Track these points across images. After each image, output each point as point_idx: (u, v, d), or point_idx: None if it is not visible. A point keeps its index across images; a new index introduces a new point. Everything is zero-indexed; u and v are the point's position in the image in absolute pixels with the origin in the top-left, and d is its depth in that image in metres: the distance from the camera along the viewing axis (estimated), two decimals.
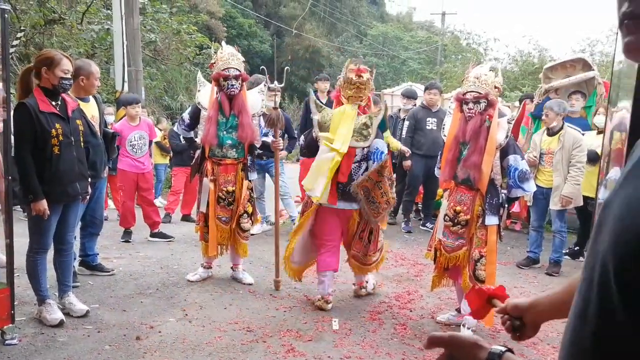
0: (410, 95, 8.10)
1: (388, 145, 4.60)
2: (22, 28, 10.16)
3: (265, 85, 5.23)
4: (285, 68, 5.44)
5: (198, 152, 5.07)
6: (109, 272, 5.19)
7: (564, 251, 6.16)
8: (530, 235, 6.22)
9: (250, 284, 5.04)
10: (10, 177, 3.60)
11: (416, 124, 7.45)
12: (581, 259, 6.39)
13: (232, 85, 4.76)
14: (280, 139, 5.11)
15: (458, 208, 4.11)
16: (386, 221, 5.14)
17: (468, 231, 4.09)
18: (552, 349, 3.98)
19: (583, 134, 6.18)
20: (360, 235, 4.61)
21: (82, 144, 4.01)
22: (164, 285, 4.97)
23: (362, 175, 4.38)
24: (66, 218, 4.04)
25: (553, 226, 5.99)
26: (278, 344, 3.82)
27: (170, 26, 13.74)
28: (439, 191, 6.79)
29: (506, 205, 4.27)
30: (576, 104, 6.91)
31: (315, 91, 8.26)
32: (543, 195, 5.87)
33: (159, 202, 8.38)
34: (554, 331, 4.27)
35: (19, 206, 5.59)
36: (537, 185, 5.33)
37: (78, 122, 3.99)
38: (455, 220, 4.11)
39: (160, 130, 8.61)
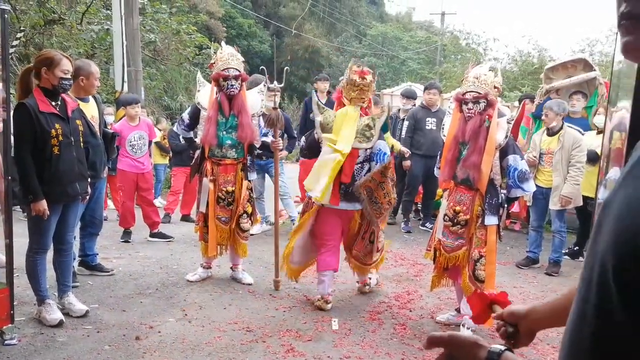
0: (409, 96, 8.10)
1: (392, 147, 4.61)
2: (21, 28, 10.16)
3: (264, 85, 5.23)
4: (285, 68, 5.45)
5: (198, 152, 5.07)
6: (108, 272, 5.19)
7: (563, 251, 6.16)
8: (530, 235, 6.22)
9: (249, 284, 5.05)
10: (10, 177, 3.60)
11: (416, 124, 7.45)
12: (581, 259, 6.40)
13: (232, 85, 4.76)
14: (280, 139, 5.11)
15: (457, 208, 4.11)
16: (386, 221, 5.15)
17: (467, 231, 4.09)
18: (552, 349, 3.98)
19: (583, 134, 6.19)
20: (363, 236, 4.64)
21: (81, 144, 4.01)
22: (164, 285, 4.97)
23: (364, 176, 4.40)
24: (66, 218, 4.04)
25: (553, 226, 6.00)
26: (277, 344, 3.82)
27: (170, 26, 13.74)
28: (439, 191, 6.80)
29: (506, 205, 4.27)
30: (577, 105, 6.91)
31: (315, 91, 8.27)
32: (543, 195, 5.88)
33: (159, 202, 8.38)
34: (553, 331, 4.26)
35: (18, 206, 5.59)
36: (536, 185, 5.34)
37: (78, 122, 3.99)
38: (455, 220, 4.12)
39: (160, 130, 8.61)
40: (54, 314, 3.96)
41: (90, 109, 4.63)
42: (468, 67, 4.28)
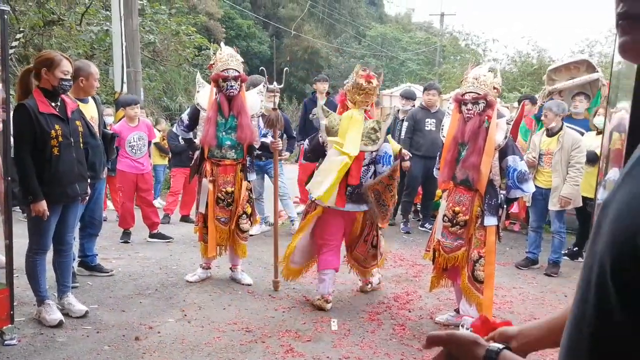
0: (409, 96, 8.11)
1: (400, 150, 4.66)
2: (21, 29, 10.16)
3: (264, 86, 5.23)
4: (284, 69, 5.45)
5: (197, 153, 5.07)
6: (108, 272, 5.19)
7: (562, 252, 6.16)
8: (529, 236, 6.22)
9: (249, 285, 5.05)
10: (9, 178, 3.60)
11: (415, 124, 7.45)
12: (580, 259, 6.40)
13: (231, 86, 4.77)
14: (279, 139, 5.12)
15: (457, 209, 4.12)
16: (388, 221, 5.18)
17: (467, 232, 4.10)
18: (551, 349, 3.97)
19: (583, 134, 6.19)
20: (365, 239, 4.67)
21: (81, 145, 4.01)
22: (163, 285, 4.98)
23: (370, 178, 4.45)
24: (65, 219, 4.04)
25: (552, 227, 6.00)
26: (277, 344, 3.82)
27: (169, 27, 13.74)
28: (438, 192, 6.80)
29: (505, 206, 4.28)
30: (580, 106, 6.92)
31: (314, 92, 8.28)
32: (542, 195, 5.88)
33: (158, 203, 8.38)
34: None
35: (18, 207, 5.59)
36: (536, 186, 5.34)
37: (77, 123, 4.00)
38: (454, 221, 4.12)
39: (159, 131, 8.61)
40: (54, 315, 3.96)
41: (89, 110, 4.63)
42: (467, 68, 4.28)
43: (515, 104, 9.33)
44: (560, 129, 5.83)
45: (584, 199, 5.93)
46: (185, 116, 5.13)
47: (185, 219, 7.74)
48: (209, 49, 10.80)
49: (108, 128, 5.87)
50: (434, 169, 4.57)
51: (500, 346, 0.96)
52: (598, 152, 5.60)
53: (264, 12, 28.86)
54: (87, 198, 4.31)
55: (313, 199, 4.50)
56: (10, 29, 9.25)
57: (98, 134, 4.61)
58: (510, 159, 4.02)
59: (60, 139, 3.78)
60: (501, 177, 4.08)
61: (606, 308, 0.71)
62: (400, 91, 9.66)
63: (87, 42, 11.47)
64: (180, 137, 5.49)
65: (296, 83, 26.89)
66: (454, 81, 16.47)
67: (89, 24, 11.67)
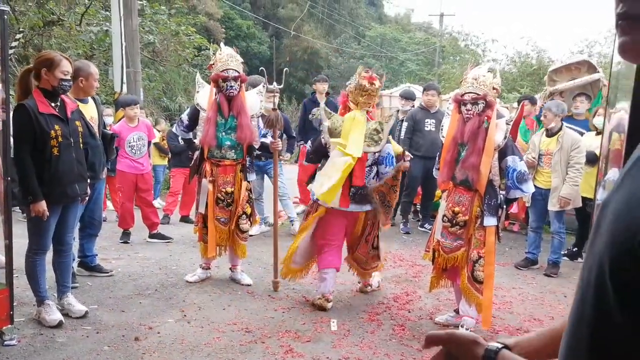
0: (408, 97, 8.11)
1: (403, 152, 4.71)
2: (21, 29, 10.16)
3: (263, 86, 5.23)
4: (284, 69, 5.45)
5: (197, 153, 5.07)
6: (107, 273, 5.19)
7: (562, 252, 6.16)
8: (529, 236, 6.22)
9: (248, 285, 5.05)
10: (9, 178, 3.60)
11: (415, 125, 7.46)
12: (580, 260, 6.40)
13: (231, 86, 4.77)
14: (279, 139, 5.12)
15: (456, 209, 4.12)
16: (390, 221, 5.21)
17: (466, 232, 4.10)
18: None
19: (582, 134, 6.19)
20: (367, 239, 4.69)
21: (81, 145, 4.01)
22: (163, 286, 4.97)
23: (373, 179, 4.47)
24: (65, 219, 4.04)
25: (551, 227, 6.00)
26: (276, 344, 3.82)
27: (169, 27, 13.74)
28: (438, 192, 6.81)
29: (504, 206, 4.28)
30: (581, 106, 6.92)
31: (314, 92, 8.28)
32: (541, 196, 5.88)
33: (158, 203, 8.38)
34: None
35: (18, 207, 5.59)
36: (535, 186, 5.35)
37: (77, 123, 4.00)
38: (454, 221, 4.12)
39: (159, 131, 8.61)
40: (54, 315, 3.96)
41: (89, 110, 4.63)
42: (467, 68, 4.29)
43: (515, 105, 9.33)
44: (560, 129, 5.83)
45: (584, 199, 5.94)
46: (185, 116, 5.13)
47: (184, 219, 7.74)
48: (209, 50, 10.77)
49: (108, 128, 5.87)
50: (434, 169, 4.58)
51: (499, 345, 0.96)
52: (597, 152, 5.60)
53: (264, 12, 28.86)
54: (87, 198, 4.31)
55: (316, 200, 4.51)
56: (10, 29, 9.25)
57: (98, 134, 4.61)
58: (510, 160, 4.03)
59: (60, 139, 3.78)
60: (501, 178, 4.09)
61: (605, 308, 0.71)
62: (399, 91, 9.67)
63: (87, 42, 11.47)
64: (179, 138, 5.49)
65: (296, 83, 26.89)
66: (454, 81, 16.47)
67: (88, 24, 11.66)
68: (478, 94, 3.97)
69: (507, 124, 4.10)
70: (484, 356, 0.95)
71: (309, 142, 4.89)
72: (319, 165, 4.67)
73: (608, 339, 0.72)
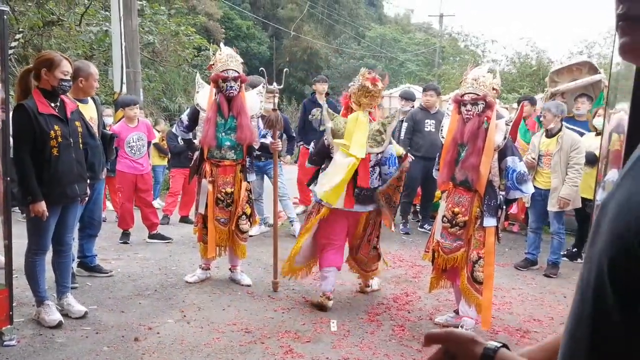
0: (408, 97, 8.11)
1: (407, 152, 4.74)
2: (20, 30, 10.16)
3: (263, 86, 5.23)
4: (284, 70, 5.46)
5: (197, 153, 5.07)
6: (107, 273, 5.19)
7: (562, 253, 6.17)
8: (528, 237, 6.22)
9: (248, 286, 5.05)
10: (9, 179, 3.60)
11: (414, 125, 7.46)
12: (579, 260, 6.40)
13: (231, 87, 4.77)
14: (279, 140, 5.12)
15: (456, 209, 4.12)
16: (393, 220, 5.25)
17: (466, 232, 4.10)
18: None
19: (582, 135, 6.19)
20: (369, 238, 4.70)
21: (80, 145, 4.01)
22: (162, 286, 4.97)
23: (376, 179, 4.50)
24: (65, 219, 4.04)
25: (551, 228, 6.00)
26: (276, 345, 3.82)
27: (169, 28, 13.75)
28: (437, 193, 6.81)
29: (504, 207, 4.29)
30: (582, 107, 6.92)
31: (313, 93, 8.28)
32: (541, 196, 5.88)
33: (157, 203, 8.37)
34: (552, 333, 4.27)
35: (17, 207, 5.58)
36: (535, 187, 5.35)
37: (77, 123, 4.00)
38: (453, 222, 4.12)
39: (159, 131, 8.61)
40: (53, 315, 3.96)
41: (89, 111, 4.63)
42: (466, 69, 4.29)
43: (515, 105, 9.34)
44: (560, 130, 5.83)
45: (583, 200, 5.94)
46: (184, 117, 5.13)
47: (184, 219, 7.74)
48: (209, 50, 10.79)
49: (107, 128, 5.86)
50: (433, 170, 4.58)
51: (498, 344, 0.96)
52: (597, 153, 5.60)
53: (264, 12, 28.86)
54: (87, 199, 4.31)
55: (319, 201, 4.51)
56: (10, 29, 9.24)
57: (97, 135, 4.61)
58: (510, 160, 4.03)
59: (59, 139, 3.78)
60: (500, 178, 4.09)
61: (604, 308, 0.71)
62: (399, 92, 9.67)
63: (87, 42, 11.47)
64: (179, 138, 5.48)
65: (295, 84, 26.89)
66: (453, 82, 16.47)
67: (88, 24, 11.67)
68: (478, 95, 3.97)
69: (507, 124, 4.10)
70: (483, 355, 0.95)
71: (312, 144, 4.89)
72: (324, 166, 4.68)
73: (607, 338, 0.71)
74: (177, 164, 7.68)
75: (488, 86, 4.00)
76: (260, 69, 5.34)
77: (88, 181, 4.19)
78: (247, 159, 4.98)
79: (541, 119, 6.04)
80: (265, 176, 7.00)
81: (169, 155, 8.18)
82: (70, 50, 10.82)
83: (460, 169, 4.07)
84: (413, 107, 7.91)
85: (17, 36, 9.80)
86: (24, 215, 4.12)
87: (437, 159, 4.46)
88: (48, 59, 3.81)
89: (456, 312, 4.34)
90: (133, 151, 6.45)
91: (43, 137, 3.71)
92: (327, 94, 8.05)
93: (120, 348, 3.67)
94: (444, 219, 4.19)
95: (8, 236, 3.58)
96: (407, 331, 4.19)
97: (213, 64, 4.88)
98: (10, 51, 8.76)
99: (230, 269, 5.21)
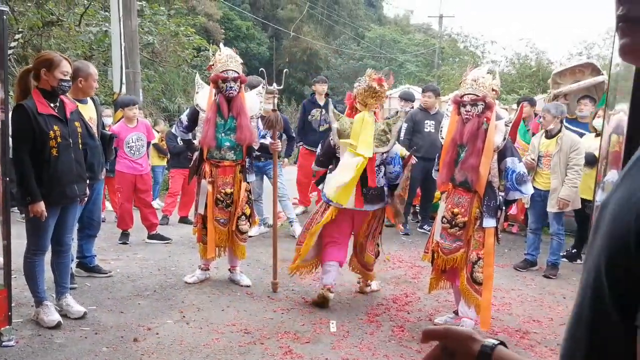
0: (407, 98, 8.12)
1: (410, 156, 4.80)
2: (20, 30, 10.15)
3: (263, 87, 5.23)
4: (284, 70, 5.46)
5: (196, 154, 5.07)
6: (106, 273, 5.18)
7: (561, 254, 6.17)
8: (528, 238, 6.22)
9: (247, 286, 5.04)
10: (8, 179, 3.59)
11: (414, 126, 7.46)
12: (579, 261, 6.41)
13: (231, 87, 4.77)
14: (279, 140, 5.12)
15: (456, 210, 4.12)
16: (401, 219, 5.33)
17: (466, 233, 4.10)
18: (550, 351, 3.98)
19: (582, 136, 6.20)
20: (374, 234, 4.73)
21: (80, 145, 4.01)
22: (162, 287, 4.97)
23: (382, 178, 4.55)
24: (64, 220, 4.03)
25: (551, 229, 6.00)
26: (275, 346, 3.82)
27: (168, 28, 13.74)
28: (437, 193, 6.81)
29: (504, 208, 4.29)
30: (585, 109, 6.92)
31: (313, 93, 8.28)
32: (541, 197, 5.88)
33: (157, 204, 8.36)
34: (551, 334, 4.28)
35: (16, 208, 5.59)
36: (534, 188, 5.35)
37: (76, 124, 3.99)
38: (453, 223, 4.13)
39: (158, 132, 8.61)
40: (52, 316, 3.96)
41: (88, 111, 4.62)
42: (466, 69, 4.30)
43: (514, 106, 9.34)
44: (559, 130, 5.83)
45: (583, 200, 5.94)
46: (184, 117, 5.13)
47: (183, 220, 7.73)
48: (208, 50, 10.78)
49: (107, 129, 5.86)
50: (433, 171, 4.59)
51: (496, 342, 0.96)
52: (596, 154, 5.60)
53: (263, 13, 28.85)
54: (86, 199, 4.31)
55: (329, 201, 4.51)
56: (9, 29, 9.24)
57: (97, 135, 4.60)
58: (509, 161, 4.03)
59: (59, 139, 3.78)
60: (500, 179, 4.09)
61: (603, 308, 0.71)
62: (399, 93, 9.67)
63: (86, 42, 11.47)
64: (179, 138, 5.48)
65: (295, 84, 26.88)
66: (453, 83, 16.48)
67: (87, 24, 11.66)
68: (477, 96, 3.97)
69: (506, 125, 4.10)
70: (480, 352, 0.95)
71: (318, 147, 4.92)
72: (331, 166, 4.70)
73: (606, 338, 0.72)
74: (176, 164, 7.68)
75: (487, 87, 4.01)
76: (260, 69, 5.34)
77: (87, 181, 4.19)
78: (247, 160, 4.98)
79: (541, 120, 6.04)
80: (264, 177, 7.00)
81: (169, 156, 8.17)
82: (70, 51, 10.82)
83: (459, 169, 4.07)
84: (412, 107, 7.91)
85: (17, 36, 9.79)
86: (23, 215, 4.12)
87: (436, 159, 4.46)
88: (47, 59, 3.81)
89: (456, 312, 4.35)
90: (132, 151, 6.44)
91: (42, 138, 3.71)
92: (326, 95, 8.05)
93: (119, 349, 3.67)
94: (444, 219, 4.19)
95: (7, 236, 3.58)
96: (407, 332, 4.19)
97: (213, 65, 4.88)
98: (10, 51, 8.76)
99: (229, 270, 5.21)
